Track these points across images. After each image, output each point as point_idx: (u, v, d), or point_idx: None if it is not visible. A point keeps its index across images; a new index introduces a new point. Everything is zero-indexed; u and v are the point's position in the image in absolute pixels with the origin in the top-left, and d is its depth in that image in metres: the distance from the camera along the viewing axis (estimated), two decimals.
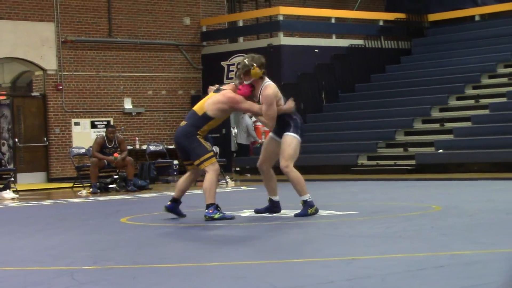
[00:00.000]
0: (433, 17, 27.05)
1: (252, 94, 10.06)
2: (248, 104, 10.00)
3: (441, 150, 19.66)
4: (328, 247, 7.43)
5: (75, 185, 19.50)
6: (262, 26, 26.11)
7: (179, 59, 25.33)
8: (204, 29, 25.96)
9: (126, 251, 7.82)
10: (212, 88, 10.28)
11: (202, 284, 5.77)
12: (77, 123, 23.37)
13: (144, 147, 22.91)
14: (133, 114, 24.30)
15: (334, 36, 25.75)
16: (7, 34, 22.27)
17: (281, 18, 24.83)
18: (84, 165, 19.82)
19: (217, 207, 9.85)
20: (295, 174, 10.01)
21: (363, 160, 20.94)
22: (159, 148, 22.27)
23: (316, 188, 16.30)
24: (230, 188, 17.70)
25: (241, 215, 10.37)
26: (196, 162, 9.93)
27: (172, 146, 24.45)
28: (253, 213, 10.51)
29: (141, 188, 18.00)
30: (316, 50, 24.83)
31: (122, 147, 18.07)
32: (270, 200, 10.46)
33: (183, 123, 10.14)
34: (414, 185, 16.05)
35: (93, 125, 23.58)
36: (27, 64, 23.17)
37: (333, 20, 25.87)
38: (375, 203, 12.14)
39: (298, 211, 10.07)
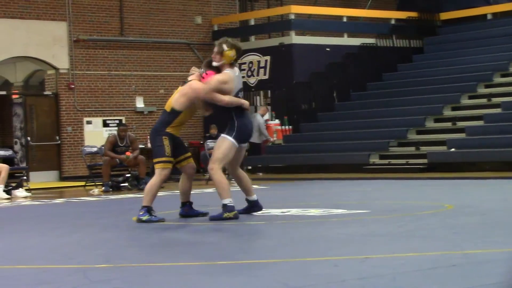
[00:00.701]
0: (445, 15, 26.99)
1: None
2: (212, 94, 9.86)
3: (453, 149, 19.61)
4: (340, 246, 7.42)
5: (87, 184, 19.54)
6: (273, 25, 26.11)
7: (191, 58, 25.35)
8: (215, 28, 25.98)
9: (138, 249, 7.84)
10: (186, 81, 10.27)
11: (214, 282, 5.78)
12: (89, 122, 23.43)
13: None
14: (145, 113, 24.34)
15: (346, 35, 25.73)
16: (19, 33, 22.34)
17: (292, 17, 24.82)
18: (96, 163, 19.87)
19: (149, 210, 9.82)
20: (218, 177, 9.76)
21: (375, 159, 20.91)
22: None
23: (328, 187, 16.31)
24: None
25: (253, 213, 10.35)
26: (154, 161, 10.00)
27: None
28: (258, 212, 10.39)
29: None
30: (328, 49, 24.82)
31: (134, 146, 18.09)
32: (247, 200, 10.27)
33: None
34: (426, 184, 16.02)
35: (105, 124, 23.63)
36: (40, 63, 23.24)
37: (344, 19, 25.85)
38: (387, 202, 12.12)
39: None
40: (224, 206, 9.74)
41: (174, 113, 9.93)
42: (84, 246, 8.24)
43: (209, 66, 10.00)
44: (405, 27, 26.74)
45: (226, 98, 9.81)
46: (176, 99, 9.96)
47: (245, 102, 10.03)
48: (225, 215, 9.71)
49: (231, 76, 9.88)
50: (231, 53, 9.86)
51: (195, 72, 10.19)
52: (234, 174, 10.20)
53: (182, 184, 10.26)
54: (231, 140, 9.84)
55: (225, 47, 9.86)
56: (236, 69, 10.09)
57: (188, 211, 10.24)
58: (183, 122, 10.15)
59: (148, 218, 9.79)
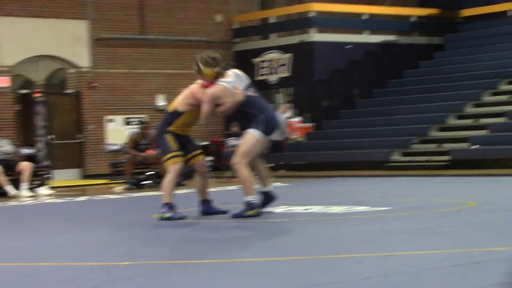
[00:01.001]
0: (466, 12, 26.87)
1: None
2: (209, 108, 9.83)
3: (476, 146, 19.53)
4: (362, 243, 7.41)
5: (109, 182, 19.62)
6: (294, 22, 26.08)
7: None
8: (236, 26, 25.99)
9: (161, 247, 7.86)
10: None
11: (237, 279, 5.79)
12: (110, 120, 23.52)
13: None
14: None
15: (366, 32, 25.67)
16: (41, 32, 22.46)
17: (313, 14, 24.79)
18: (118, 161, 19.94)
19: (171, 207, 9.88)
20: (243, 172, 9.71)
21: (397, 156, 20.86)
22: None
23: (350, 184, 16.29)
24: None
25: (275, 211, 10.36)
26: (163, 160, 10.14)
27: (206, 142, 24.54)
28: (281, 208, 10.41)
29: (178, 184, 18.03)
30: (348, 47, 24.76)
31: (155, 144, 18.13)
32: (261, 193, 10.07)
33: None
34: (448, 181, 15.97)
35: (127, 122, 23.71)
36: (61, 61, 23.35)
37: (365, 16, 25.79)
38: (409, 199, 12.09)
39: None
40: (247, 203, 9.73)
41: (176, 113, 10.03)
42: (106, 244, 8.28)
43: (198, 71, 9.94)
44: (426, 24, 26.64)
45: (228, 104, 9.76)
46: (180, 101, 10.05)
47: (237, 97, 9.82)
48: (248, 212, 9.70)
49: (222, 87, 9.77)
50: (208, 71, 9.80)
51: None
52: (253, 166, 10.16)
53: (198, 182, 10.31)
54: (257, 134, 9.80)
55: (201, 66, 9.83)
56: (231, 72, 9.96)
57: (207, 208, 10.26)
58: (188, 123, 10.13)
59: (170, 216, 9.83)
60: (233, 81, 9.88)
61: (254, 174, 10.10)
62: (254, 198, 9.74)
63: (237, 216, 9.74)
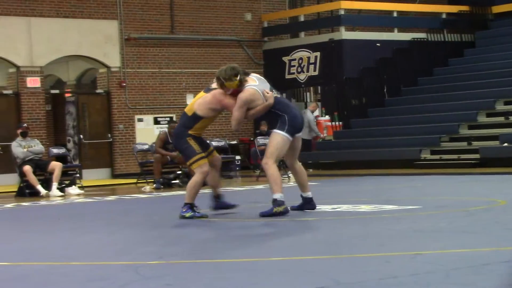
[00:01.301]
0: (497, 9, 26.67)
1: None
2: (234, 106, 9.87)
3: (506, 144, 19.39)
4: (391, 242, 7.39)
5: (138, 181, 19.71)
6: (323, 20, 26.04)
7: (241, 55, 25.41)
8: (265, 25, 26.00)
9: (190, 246, 7.89)
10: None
11: (266, 278, 5.79)
12: (140, 120, 23.62)
13: None
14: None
15: (396, 30, 25.57)
16: (72, 33, 22.61)
17: (342, 12, 24.73)
18: (147, 161, 20.02)
19: (191, 207, 9.92)
20: (272, 171, 9.76)
21: (426, 155, 20.77)
22: (221, 144, 22.34)
23: (379, 183, 16.23)
24: (292, 183, 17.68)
25: (303, 210, 10.33)
26: (188, 163, 10.14)
27: (235, 142, 24.58)
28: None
29: (204, 184, 18.08)
30: (378, 44, 24.69)
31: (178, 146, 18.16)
32: (302, 197, 10.26)
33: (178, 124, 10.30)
34: (478, 179, 15.87)
35: (156, 121, 23.80)
36: (92, 61, 23.49)
37: (395, 14, 25.69)
38: (438, 198, 12.03)
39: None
40: (274, 200, 9.75)
41: (196, 118, 9.97)
42: (136, 243, 8.32)
43: (221, 85, 9.96)
44: (457, 21, 26.48)
45: (259, 107, 9.84)
46: (200, 105, 9.97)
47: (270, 100, 9.90)
48: (275, 210, 9.72)
49: (253, 91, 9.85)
50: (231, 83, 9.83)
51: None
52: (291, 167, 10.25)
53: (211, 177, 10.30)
54: (283, 134, 9.84)
55: (223, 81, 9.85)
56: (252, 77, 10.03)
57: (218, 204, 10.37)
58: (204, 127, 10.20)
59: (191, 215, 9.87)
60: (259, 84, 9.95)
61: (295, 179, 10.21)
62: (281, 196, 9.75)
63: (265, 214, 9.75)
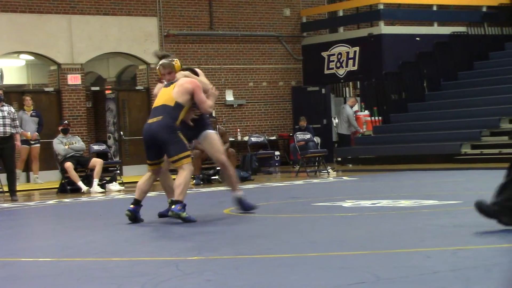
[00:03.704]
0: None
1: None
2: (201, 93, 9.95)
3: None
4: (431, 237, 7.36)
5: None
6: (362, 15, 25.94)
7: (280, 50, 25.41)
8: (304, 20, 25.96)
9: (230, 242, 7.91)
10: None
11: (305, 274, 5.80)
12: None
13: (246, 138, 23.07)
14: (234, 106, 24.51)
15: (436, 24, 25.40)
16: (112, 30, 22.76)
17: (381, 7, 24.62)
18: None
19: (183, 206, 9.49)
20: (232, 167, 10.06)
21: (466, 149, 20.61)
22: (261, 139, 22.38)
23: (419, 178, 16.15)
24: (331, 178, 17.66)
25: (343, 205, 10.34)
26: (173, 158, 9.59)
27: (274, 137, 24.59)
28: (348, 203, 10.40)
29: (243, 180, 18.11)
30: (418, 39, 24.54)
31: (224, 139, 18.20)
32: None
33: (155, 119, 9.74)
34: None
35: None
36: (131, 58, 23.62)
37: (434, 8, 25.51)
38: (479, 193, 11.93)
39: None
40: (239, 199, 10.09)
41: (179, 107, 9.73)
42: (175, 239, 8.37)
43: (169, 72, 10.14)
44: (497, 14, 26.22)
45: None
46: (180, 94, 9.82)
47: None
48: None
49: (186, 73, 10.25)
50: (177, 66, 10.22)
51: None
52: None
53: (144, 184, 10.03)
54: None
55: (173, 61, 10.03)
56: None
57: (135, 211, 9.97)
58: (182, 118, 9.84)
59: (187, 217, 9.44)
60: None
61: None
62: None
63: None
